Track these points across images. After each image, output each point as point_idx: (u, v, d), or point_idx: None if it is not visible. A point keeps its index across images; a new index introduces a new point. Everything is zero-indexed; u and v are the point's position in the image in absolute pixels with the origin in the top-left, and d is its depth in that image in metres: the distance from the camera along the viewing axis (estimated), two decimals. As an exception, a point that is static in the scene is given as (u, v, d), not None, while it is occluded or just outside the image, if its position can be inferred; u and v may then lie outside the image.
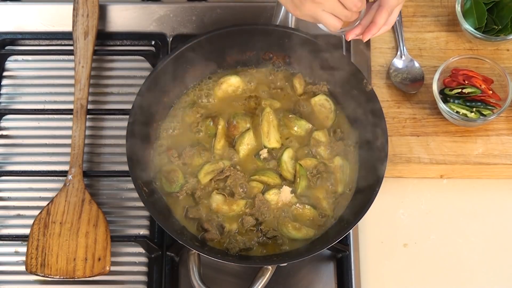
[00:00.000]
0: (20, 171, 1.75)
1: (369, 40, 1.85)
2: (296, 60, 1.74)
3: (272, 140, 1.67)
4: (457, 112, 1.71)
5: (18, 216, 1.72)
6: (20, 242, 1.69)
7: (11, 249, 1.69)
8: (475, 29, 1.79)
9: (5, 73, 1.85)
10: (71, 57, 1.82)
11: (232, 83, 1.73)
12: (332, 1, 1.43)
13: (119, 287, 1.66)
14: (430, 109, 1.77)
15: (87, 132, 1.75)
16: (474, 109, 1.72)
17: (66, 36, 1.87)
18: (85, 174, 1.72)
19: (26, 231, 1.66)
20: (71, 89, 1.79)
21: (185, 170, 1.65)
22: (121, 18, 1.90)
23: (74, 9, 1.84)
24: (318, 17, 1.45)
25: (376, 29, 1.49)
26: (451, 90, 1.74)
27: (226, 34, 1.69)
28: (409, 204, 1.74)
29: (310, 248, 1.58)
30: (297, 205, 1.62)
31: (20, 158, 1.77)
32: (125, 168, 1.58)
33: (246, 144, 1.67)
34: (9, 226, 1.71)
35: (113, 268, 1.63)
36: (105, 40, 1.88)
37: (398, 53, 1.82)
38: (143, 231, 1.70)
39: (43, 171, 1.75)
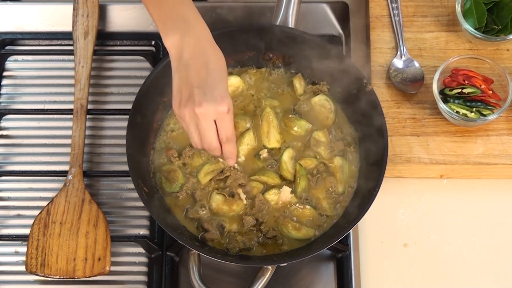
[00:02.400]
0: (20, 171, 1.75)
1: (369, 40, 1.85)
2: (296, 60, 1.74)
3: (272, 140, 1.67)
4: (457, 112, 1.71)
5: (18, 216, 1.72)
6: (20, 242, 1.69)
7: (11, 249, 1.69)
8: (475, 29, 1.79)
9: (5, 73, 1.85)
10: (71, 57, 1.82)
11: (232, 83, 1.72)
12: (210, 131, 1.42)
13: (119, 287, 1.66)
14: (430, 109, 1.77)
15: (87, 132, 1.75)
16: (474, 109, 1.72)
17: (66, 36, 1.87)
18: (85, 174, 1.72)
19: (26, 231, 1.66)
20: (71, 89, 1.79)
21: (185, 170, 1.65)
22: (121, 18, 1.90)
23: (74, 9, 1.84)
24: (188, 128, 1.43)
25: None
26: (451, 90, 1.74)
27: (226, 34, 1.69)
28: (409, 204, 1.74)
29: (310, 248, 1.58)
30: (297, 205, 1.62)
31: (20, 158, 1.77)
32: (125, 168, 1.58)
33: (246, 144, 1.67)
34: (9, 226, 1.71)
35: (113, 268, 1.63)
36: (105, 40, 1.88)
37: (398, 53, 1.82)
38: (143, 231, 1.70)
39: (43, 171, 1.75)
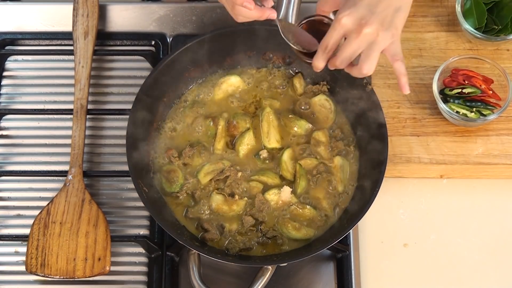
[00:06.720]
0: (20, 171, 1.75)
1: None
2: (296, 60, 1.74)
3: (272, 140, 1.67)
4: (457, 112, 1.71)
5: (18, 216, 1.72)
6: (20, 242, 1.69)
7: (11, 249, 1.69)
8: (475, 29, 1.79)
9: (5, 73, 1.85)
10: (71, 57, 1.82)
11: (232, 83, 1.73)
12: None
13: (119, 287, 1.66)
14: (430, 109, 1.77)
15: (87, 132, 1.75)
16: (474, 109, 1.72)
17: (66, 36, 1.87)
18: (85, 174, 1.72)
19: (26, 231, 1.66)
20: (71, 89, 1.79)
21: (185, 170, 1.65)
22: (121, 18, 1.89)
23: (74, 9, 1.84)
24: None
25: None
26: (451, 90, 1.74)
27: (226, 34, 1.69)
28: (409, 204, 1.74)
29: (310, 248, 1.58)
30: (297, 205, 1.62)
31: (20, 158, 1.77)
32: (125, 168, 1.58)
33: (246, 144, 1.67)
34: (9, 226, 1.71)
35: (113, 268, 1.63)
36: (105, 40, 1.88)
37: (398, 53, 1.82)
38: (143, 231, 1.70)
39: (43, 171, 1.75)
